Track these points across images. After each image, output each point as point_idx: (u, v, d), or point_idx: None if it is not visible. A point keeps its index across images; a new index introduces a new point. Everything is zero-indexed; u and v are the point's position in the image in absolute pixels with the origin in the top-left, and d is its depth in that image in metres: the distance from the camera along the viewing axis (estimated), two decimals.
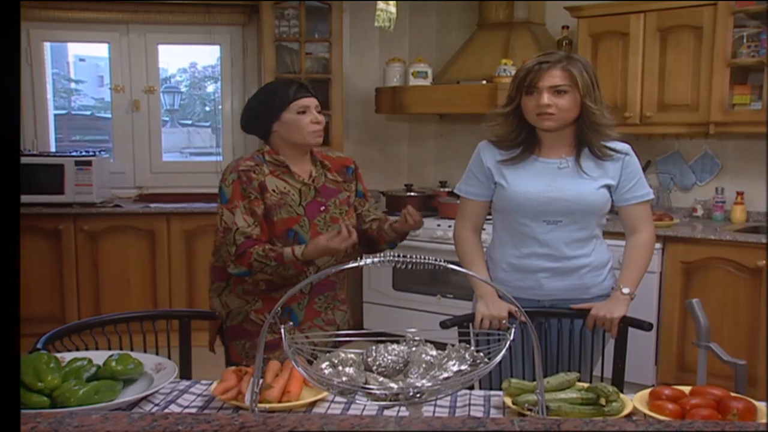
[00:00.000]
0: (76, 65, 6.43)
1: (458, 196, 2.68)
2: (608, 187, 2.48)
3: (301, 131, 2.58)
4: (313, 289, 2.66)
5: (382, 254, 1.52)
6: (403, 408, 1.61)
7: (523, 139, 2.50)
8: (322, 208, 2.63)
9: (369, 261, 1.51)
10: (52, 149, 5.69)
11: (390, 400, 1.52)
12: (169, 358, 2.29)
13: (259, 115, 2.63)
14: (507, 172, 2.51)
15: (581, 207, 2.45)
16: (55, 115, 5.86)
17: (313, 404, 1.96)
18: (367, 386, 1.52)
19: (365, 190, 2.84)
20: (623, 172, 2.48)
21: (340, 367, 1.58)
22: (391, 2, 3.18)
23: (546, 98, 2.38)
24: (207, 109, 6.59)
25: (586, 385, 1.97)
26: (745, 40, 4.27)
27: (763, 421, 1.78)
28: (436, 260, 1.48)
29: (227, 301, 2.67)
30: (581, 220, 2.47)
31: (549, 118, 2.40)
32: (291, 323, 1.72)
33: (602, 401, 1.88)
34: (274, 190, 2.56)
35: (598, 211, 2.49)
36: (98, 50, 5.97)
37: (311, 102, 2.62)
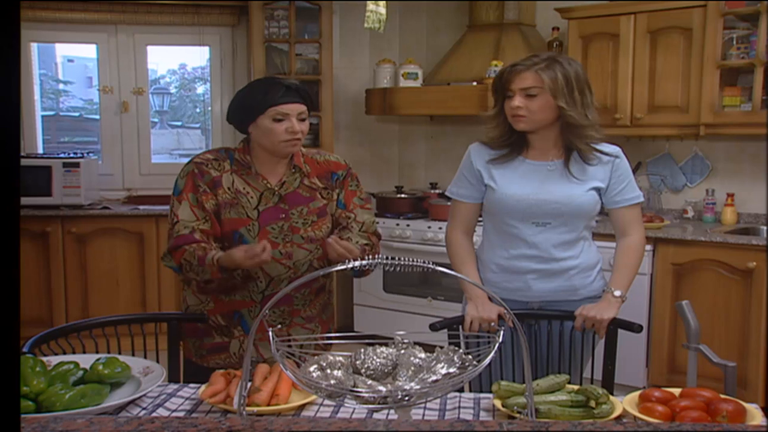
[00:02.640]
0: (64, 66, 6.40)
1: (449, 198, 2.67)
2: (597, 189, 2.48)
3: (272, 140, 2.44)
4: (265, 301, 2.49)
5: (370, 257, 1.50)
6: (392, 411, 1.60)
7: (513, 141, 2.52)
8: (282, 215, 2.49)
9: (357, 263, 1.50)
10: (40, 151, 5.66)
11: (378, 403, 1.51)
12: (158, 361, 2.27)
13: (239, 112, 2.49)
14: (496, 174, 2.51)
15: (570, 209, 2.45)
16: (43, 117, 5.82)
17: (302, 407, 1.95)
18: (355, 389, 1.51)
19: (348, 201, 2.61)
20: (613, 174, 2.49)
21: (329, 370, 1.57)
22: (381, 3, 3.17)
23: (517, 100, 2.42)
24: (197, 110, 6.57)
25: (576, 387, 1.96)
26: (734, 42, 4.28)
27: (754, 422, 1.78)
28: (425, 262, 1.47)
29: (186, 297, 2.61)
30: (570, 222, 2.47)
31: (521, 120, 2.43)
32: (279, 326, 1.70)
33: (592, 403, 1.87)
34: (229, 188, 2.46)
35: (587, 214, 2.49)
36: (86, 51, 5.94)
37: (293, 109, 2.42)
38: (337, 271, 1.53)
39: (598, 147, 2.48)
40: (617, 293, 2.46)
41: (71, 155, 5.29)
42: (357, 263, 1.50)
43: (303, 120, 2.46)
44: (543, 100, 2.39)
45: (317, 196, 2.56)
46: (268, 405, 1.90)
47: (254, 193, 2.48)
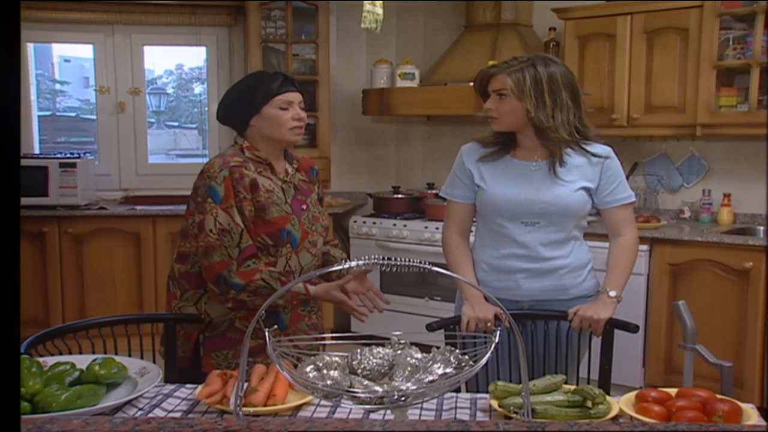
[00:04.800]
0: (61, 66, 6.39)
1: (445, 198, 2.68)
2: (587, 189, 2.49)
3: (281, 128, 2.47)
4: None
5: (367, 257, 1.50)
6: (388, 411, 1.60)
7: (503, 140, 2.55)
8: (304, 206, 2.55)
9: (354, 263, 1.50)
10: (36, 151, 5.65)
11: (375, 404, 1.51)
12: (154, 361, 2.27)
13: (238, 107, 2.50)
14: (486, 174, 2.54)
15: (557, 209, 2.46)
16: (40, 117, 5.82)
17: (298, 408, 1.94)
18: (351, 390, 1.51)
19: (323, 194, 2.76)
20: (603, 175, 2.50)
21: (325, 371, 1.57)
22: (378, 3, 3.17)
23: (488, 102, 2.49)
24: (194, 110, 6.57)
25: (572, 387, 1.97)
26: (731, 42, 4.29)
27: (750, 422, 1.78)
28: (421, 263, 1.47)
29: (208, 309, 2.51)
30: (558, 222, 2.49)
31: (492, 120, 2.50)
32: (276, 327, 1.70)
33: (589, 404, 1.87)
34: (263, 188, 2.45)
35: (576, 213, 2.50)
36: (83, 51, 5.94)
37: (295, 97, 2.51)
38: (335, 271, 1.53)
39: (589, 147, 2.49)
40: (612, 293, 2.47)
41: (68, 155, 5.27)
42: (354, 263, 1.50)
43: (302, 109, 2.54)
44: (512, 102, 2.43)
45: (312, 188, 2.65)
46: (265, 405, 1.90)
47: (278, 189, 2.51)
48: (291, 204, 2.51)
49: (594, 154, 2.49)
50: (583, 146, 2.49)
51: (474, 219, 2.65)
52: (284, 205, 2.49)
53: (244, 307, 2.46)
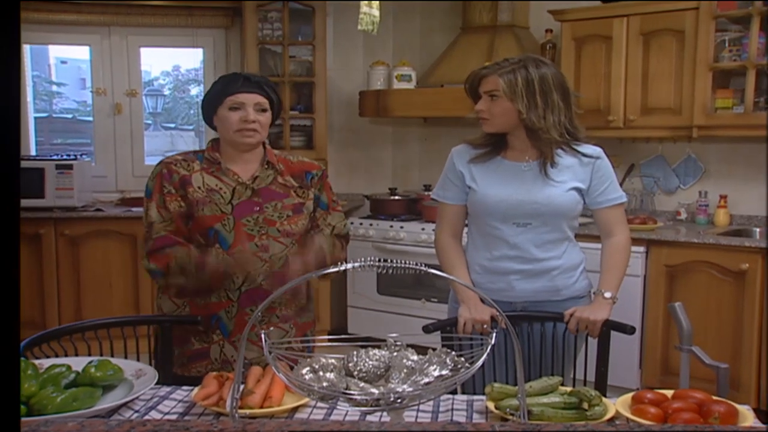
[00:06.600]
0: (57, 67, 6.38)
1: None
2: (578, 189, 2.50)
3: (228, 129, 2.47)
4: (242, 298, 2.48)
5: (363, 258, 1.50)
6: (385, 413, 1.60)
7: (494, 141, 2.56)
8: (256, 208, 2.48)
9: (350, 265, 1.50)
10: (33, 153, 5.63)
11: (371, 406, 1.51)
12: (151, 364, 2.27)
13: (204, 108, 2.56)
14: (477, 175, 2.54)
15: (549, 209, 2.47)
16: (36, 118, 5.80)
17: (294, 410, 1.94)
18: (347, 392, 1.51)
19: (330, 201, 2.65)
20: (594, 175, 2.50)
21: (321, 373, 1.57)
22: (374, 5, 3.17)
23: (480, 104, 2.49)
24: (191, 112, 6.57)
25: (569, 389, 1.97)
26: (726, 44, 4.30)
27: (745, 424, 1.78)
28: (417, 264, 1.47)
29: (161, 304, 2.57)
30: (551, 222, 2.49)
31: (484, 122, 2.50)
32: (272, 330, 1.70)
33: (585, 405, 1.88)
34: (199, 187, 2.46)
35: (568, 214, 2.51)
36: (80, 52, 5.93)
37: (249, 98, 2.45)
38: (331, 273, 1.53)
39: (579, 148, 2.50)
40: (608, 294, 2.47)
41: (64, 157, 5.25)
42: (350, 265, 1.50)
43: (262, 111, 2.49)
44: (503, 104, 2.44)
45: (291, 193, 2.56)
46: (261, 407, 1.90)
47: (227, 189, 2.49)
48: (235, 205, 2.47)
49: (585, 155, 2.50)
50: (574, 147, 2.50)
51: (466, 222, 2.66)
52: (225, 205, 2.46)
53: (181, 295, 2.50)
